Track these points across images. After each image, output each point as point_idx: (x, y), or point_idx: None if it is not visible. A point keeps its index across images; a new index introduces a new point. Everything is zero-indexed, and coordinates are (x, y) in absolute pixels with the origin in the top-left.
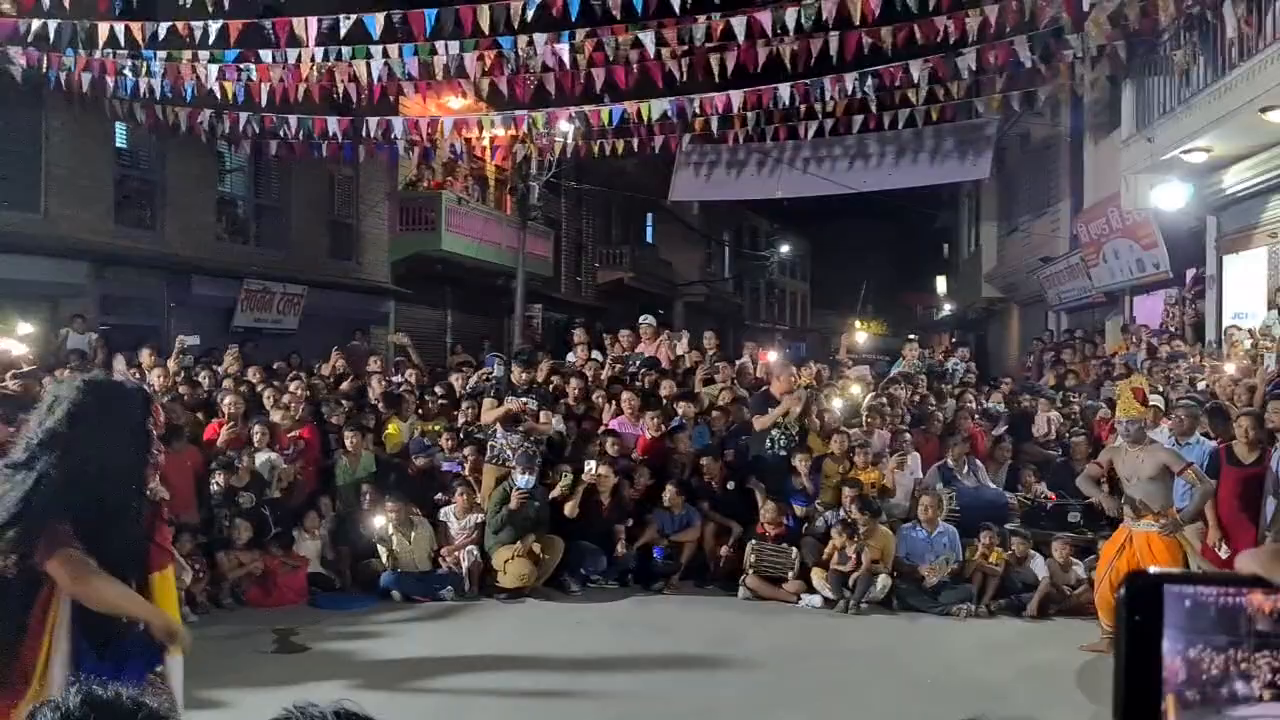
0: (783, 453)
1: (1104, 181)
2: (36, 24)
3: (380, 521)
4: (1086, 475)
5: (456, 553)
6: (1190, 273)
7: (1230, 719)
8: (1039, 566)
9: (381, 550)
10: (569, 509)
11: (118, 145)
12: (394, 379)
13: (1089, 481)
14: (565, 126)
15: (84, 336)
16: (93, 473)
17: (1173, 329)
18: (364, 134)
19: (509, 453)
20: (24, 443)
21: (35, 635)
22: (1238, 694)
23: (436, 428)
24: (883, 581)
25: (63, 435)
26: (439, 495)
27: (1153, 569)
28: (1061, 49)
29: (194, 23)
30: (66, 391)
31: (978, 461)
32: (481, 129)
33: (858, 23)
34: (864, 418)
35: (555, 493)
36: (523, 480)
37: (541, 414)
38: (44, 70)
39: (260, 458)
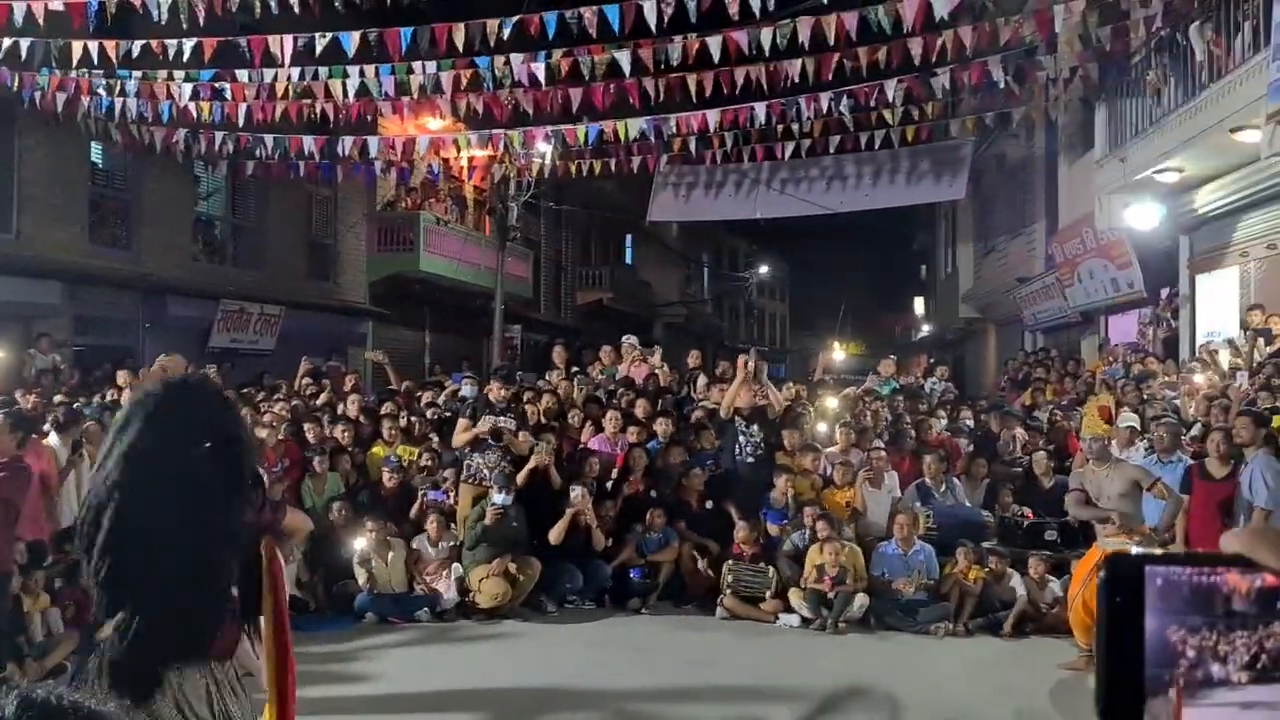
0: (750, 460)
1: (1078, 202)
2: (8, 42)
3: (361, 543)
4: (1074, 501)
5: (435, 573)
6: (1164, 292)
7: (1208, 701)
8: (1016, 584)
9: (360, 572)
10: (554, 535)
11: (93, 164)
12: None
13: (1079, 505)
14: (543, 146)
15: (49, 356)
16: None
17: (1147, 348)
18: (340, 153)
19: (485, 472)
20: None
21: None
22: (1214, 676)
23: (416, 452)
24: (860, 600)
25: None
26: (413, 515)
27: (1134, 549)
28: (1034, 70)
29: (168, 41)
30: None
31: (955, 480)
32: (459, 149)
33: (833, 44)
34: (837, 434)
35: (533, 462)
36: (499, 498)
37: (520, 434)
38: (17, 89)
39: None
